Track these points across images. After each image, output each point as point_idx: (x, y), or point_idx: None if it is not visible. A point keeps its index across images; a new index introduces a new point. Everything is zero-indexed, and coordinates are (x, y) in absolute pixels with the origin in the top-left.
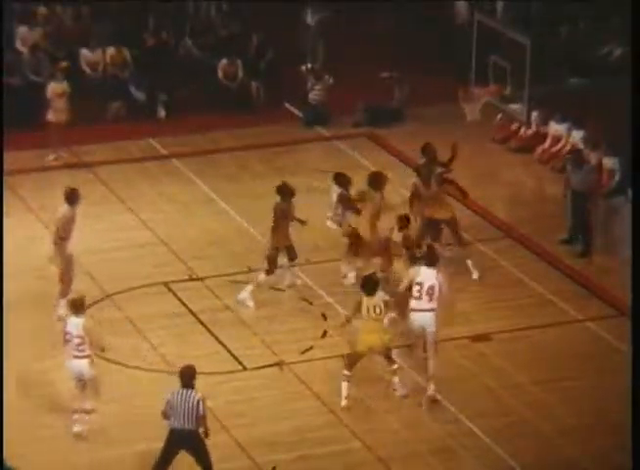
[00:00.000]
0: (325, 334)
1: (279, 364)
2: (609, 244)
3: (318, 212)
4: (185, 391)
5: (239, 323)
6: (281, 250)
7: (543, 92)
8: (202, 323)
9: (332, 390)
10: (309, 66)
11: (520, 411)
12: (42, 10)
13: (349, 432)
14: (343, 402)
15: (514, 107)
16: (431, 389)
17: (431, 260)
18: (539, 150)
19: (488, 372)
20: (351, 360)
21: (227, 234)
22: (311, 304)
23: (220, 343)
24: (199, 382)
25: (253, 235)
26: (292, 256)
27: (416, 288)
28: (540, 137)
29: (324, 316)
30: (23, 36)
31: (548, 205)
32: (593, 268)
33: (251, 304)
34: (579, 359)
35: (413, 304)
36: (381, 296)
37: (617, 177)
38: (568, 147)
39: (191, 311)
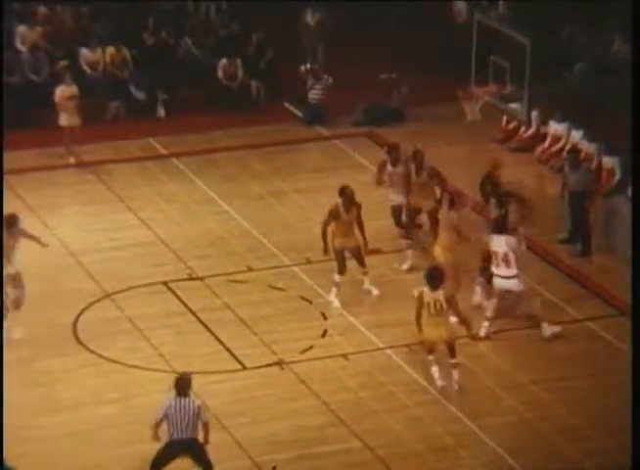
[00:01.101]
0: (325, 333)
1: (279, 364)
2: (609, 243)
3: (317, 212)
4: (182, 400)
5: (238, 322)
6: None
7: (543, 92)
8: (201, 322)
9: (332, 389)
10: (309, 66)
11: (519, 411)
12: (42, 9)
13: (349, 431)
14: (439, 383)
15: (514, 106)
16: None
17: (498, 229)
18: (539, 149)
19: (488, 372)
20: (426, 348)
21: (227, 234)
22: (311, 303)
23: (220, 342)
24: (198, 381)
25: (253, 234)
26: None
27: (493, 257)
28: (540, 137)
29: (324, 316)
30: (23, 35)
31: (548, 204)
32: (593, 268)
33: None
34: (579, 359)
35: (494, 270)
36: (441, 293)
37: (617, 177)
38: (568, 146)
39: (191, 311)
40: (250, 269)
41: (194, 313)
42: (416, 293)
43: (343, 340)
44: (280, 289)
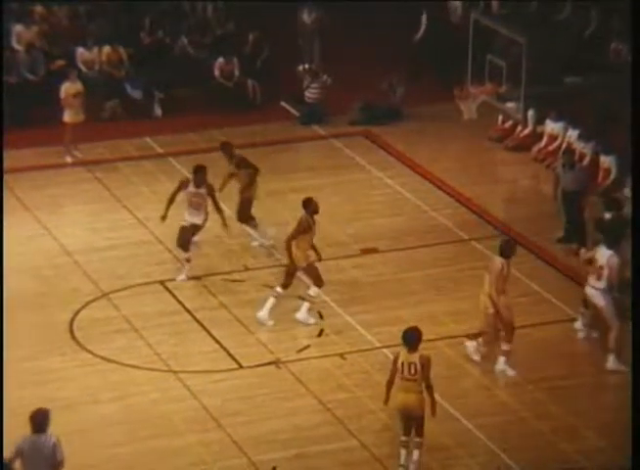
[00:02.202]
0: (321, 332)
1: (275, 363)
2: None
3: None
4: (37, 437)
5: (235, 322)
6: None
7: (539, 91)
8: (198, 322)
9: (328, 388)
10: (306, 66)
11: (515, 410)
12: (39, 8)
13: (346, 430)
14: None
15: (510, 105)
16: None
17: (609, 243)
18: (535, 149)
19: (484, 371)
20: (400, 419)
21: (223, 233)
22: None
23: (217, 341)
24: (196, 380)
25: (250, 234)
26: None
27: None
28: (536, 136)
29: (320, 315)
30: (19, 35)
31: (544, 203)
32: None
33: (311, 321)
34: (575, 358)
35: (589, 279)
36: (417, 355)
37: (612, 176)
38: (564, 145)
39: (187, 310)
40: (246, 268)
41: (190, 313)
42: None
43: (340, 339)
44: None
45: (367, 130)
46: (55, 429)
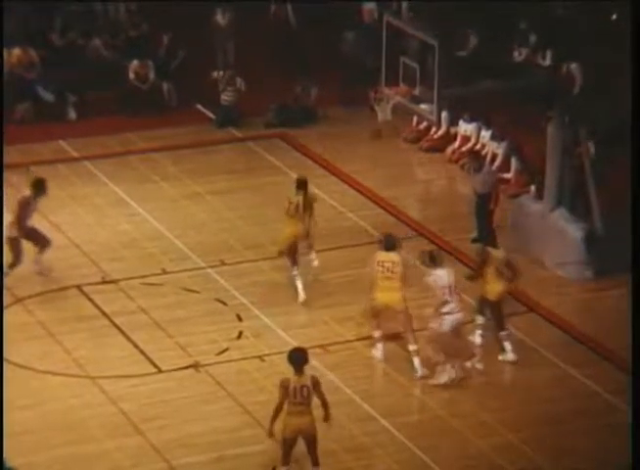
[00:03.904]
0: (240, 335)
1: (194, 366)
2: (518, 244)
3: (231, 213)
4: None
5: (153, 325)
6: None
7: (453, 93)
8: (116, 326)
9: (248, 391)
10: (221, 72)
11: (433, 409)
12: None
13: (265, 432)
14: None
15: (424, 107)
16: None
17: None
18: (450, 149)
19: (401, 371)
20: (283, 445)
21: (140, 236)
22: (226, 305)
23: (135, 345)
24: (115, 385)
25: (167, 237)
26: None
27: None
28: (450, 137)
29: (239, 317)
30: None
31: (459, 204)
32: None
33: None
34: (491, 356)
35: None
36: (308, 376)
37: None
38: (478, 146)
39: (105, 314)
40: (164, 272)
41: (108, 317)
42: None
43: (259, 341)
44: (195, 291)
45: (283, 132)
46: None
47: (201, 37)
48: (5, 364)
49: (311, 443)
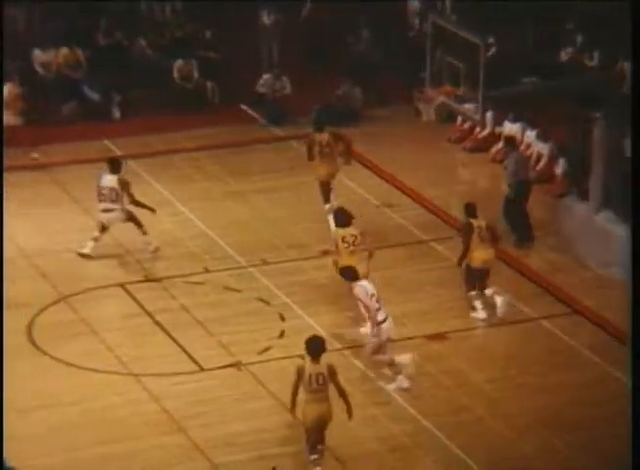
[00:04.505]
0: (282, 334)
1: (236, 365)
2: (559, 242)
3: (273, 212)
4: None
5: (195, 324)
6: None
7: (498, 93)
8: (158, 324)
9: (289, 390)
10: (269, 67)
11: (474, 409)
12: None
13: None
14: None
15: (468, 107)
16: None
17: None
18: (494, 149)
19: (444, 371)
20: (308, 433)
21: (183, 235)
22: (268, 304)
23: (177, 344)
24: (157, 383)
25: (209, 236)
26: None
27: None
28: (495, 137)
29: (281, 317)
30: None
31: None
32: (547, 266)
33: None
34: (534, 357)
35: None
36: (324, 365)
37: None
38: (522, 146)
39: (147, 312)
40: (206, 271)
41: (150, 315)
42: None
43: (301, 340)
44: (237, 290)
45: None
46: (14, 433)
47: (245, 37)
48: (49, 361)
49: (323, 431)
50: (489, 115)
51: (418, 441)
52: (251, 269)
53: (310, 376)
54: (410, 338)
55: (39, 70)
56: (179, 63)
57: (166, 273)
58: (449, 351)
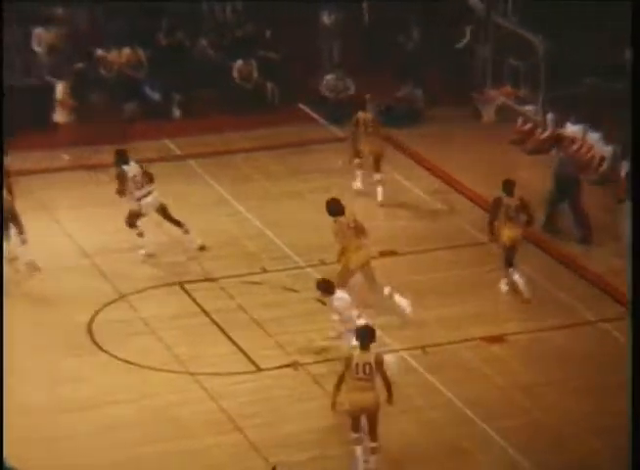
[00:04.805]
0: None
1: (293, 365)
2: (620, 246)
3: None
4: None
5: (253, 324)
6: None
7: (559, 93)
8: (216, 324)
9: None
10: (329, 67)
11: (533, 412)
12: (58, 10)
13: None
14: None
15: (529, 108)
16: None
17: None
18: (554, 152)
19: (501, 373)
20: (351, 419)
21: (241, 235)
22: (325, 304)
23: (234, 343)
24: (214, 382)
25: (268, 235)
26: None
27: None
28: (556, 139)
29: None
30: (40, 37)
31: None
32: (606, 268)
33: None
34: (593, 360)
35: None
36: (372, 354)
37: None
38: (584, 148)
39: (205, 312)
40: (264, 271)
41: (208, 315)
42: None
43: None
44: (294, 290)
45: (386, 132)
46: (73, 429)
47: (305, 36)
48: (108, 359)
49: (372, 419)
50: (550, 116)
51: (475, 444)
52: (308, 270)
53: (357, 365)
54: (467, 340)
55: (101, 69)
56: (239, 63)
57: (224, 273)
58: (506, 353)
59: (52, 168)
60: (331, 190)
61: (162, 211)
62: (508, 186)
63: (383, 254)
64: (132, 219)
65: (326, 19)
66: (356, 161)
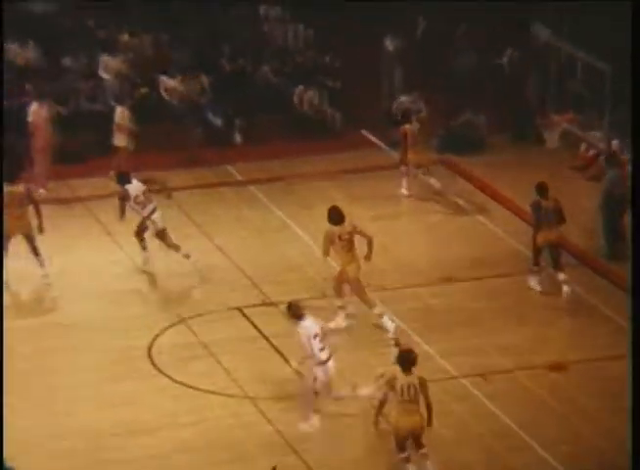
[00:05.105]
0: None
1: (352, 389)
2: None
3: (390, 239)
4: None
5: None
6: None
7: (624, 119)
8: (274, 348)
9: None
10: (390, 93)
11: (592, 439)
12: (124, 37)
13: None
14: None
15: (594, 134)
16: None
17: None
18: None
19: (560, 400)
20: (398, 441)
21: (301, 260)
22: (385, 330)
23: (292, 368)
24: (272, 405)
25: (328, 261)
26: None
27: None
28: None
29: (397, 343)
30: (106, 64)
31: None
32: None
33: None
34: None
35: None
36: (415, 376)
37: None
38: None
39: (264, 336)
40: (324, 296)
41: (267, 339)
42: (386, 375)
43: (417, 367)
44: (353, 316)
45: (447, 158)
46: (132, 452)
47: (366, 62)
48: (168, 382)
49: (418, 439)
50: (615, 143)
51: None
52: (369, 295)
53: (402, 387)
54: (527, 367)
55: (165, 95)
56: (300, 89)
57: (284, 298)
58: (566, 380)
59: (114, 193)
60: (392, 217)
61: (162, 233)
62: (542, 189)
63: (441, 280)
64: (140, 234)
65: (388, 44)
66: (402, 168)
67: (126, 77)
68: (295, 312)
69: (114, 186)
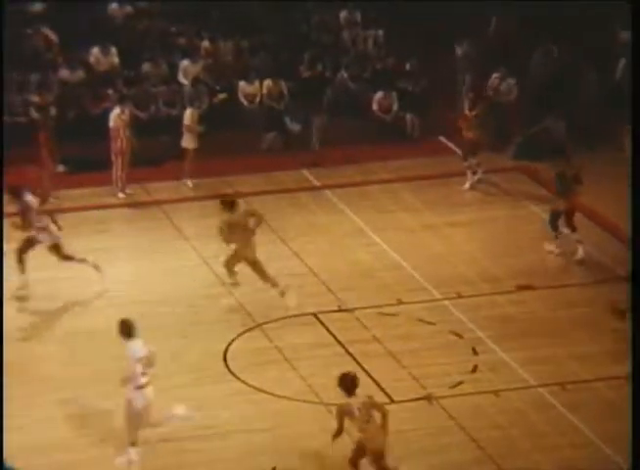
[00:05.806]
0: (475, 369)
1: (427, 398)
2: None
3: (467, 245)
4: None
5: (387, 355)
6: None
7: None
8: (350, 354)
9: (481, 426)
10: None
11: None
12: (205, 44)
13: (498, 469)
14: None
15: None
16: None
17: None
18: None
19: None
20: None
21: (377, 266)
22: (461, 338)
23: (368, 375)
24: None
25: (404, 267)
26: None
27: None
28: None
29: (474, 351)
30: (186, 69)
31: None
32: None
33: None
34: None
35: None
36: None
37: None
38: None
39: (339, 342)
40: (399, 302)
41: (343, 345)
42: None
43: (494, 376)
44: (430, 323)
45: (525, 165)
46: (207, 456)
47: (445, 69)
48: (243, 387)
49: (379, 461)
50: None
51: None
52: (445, 302)
53: (358, 410)
54: (608, 378)
55: (243, 101)
56: (379, 94)
57: (359, 304)
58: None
59: (191, 198)
60: (467, 223)
61: None
62: (566, 160)
63: (520, 288)
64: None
65: (459, 50)
66: (465, 163)
67: (204, 83)
68: (124, 330)
69: (187, 191)
